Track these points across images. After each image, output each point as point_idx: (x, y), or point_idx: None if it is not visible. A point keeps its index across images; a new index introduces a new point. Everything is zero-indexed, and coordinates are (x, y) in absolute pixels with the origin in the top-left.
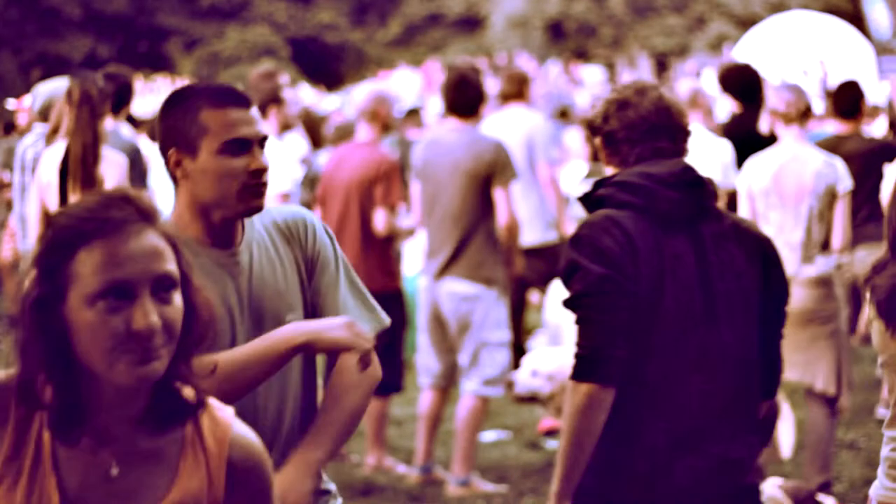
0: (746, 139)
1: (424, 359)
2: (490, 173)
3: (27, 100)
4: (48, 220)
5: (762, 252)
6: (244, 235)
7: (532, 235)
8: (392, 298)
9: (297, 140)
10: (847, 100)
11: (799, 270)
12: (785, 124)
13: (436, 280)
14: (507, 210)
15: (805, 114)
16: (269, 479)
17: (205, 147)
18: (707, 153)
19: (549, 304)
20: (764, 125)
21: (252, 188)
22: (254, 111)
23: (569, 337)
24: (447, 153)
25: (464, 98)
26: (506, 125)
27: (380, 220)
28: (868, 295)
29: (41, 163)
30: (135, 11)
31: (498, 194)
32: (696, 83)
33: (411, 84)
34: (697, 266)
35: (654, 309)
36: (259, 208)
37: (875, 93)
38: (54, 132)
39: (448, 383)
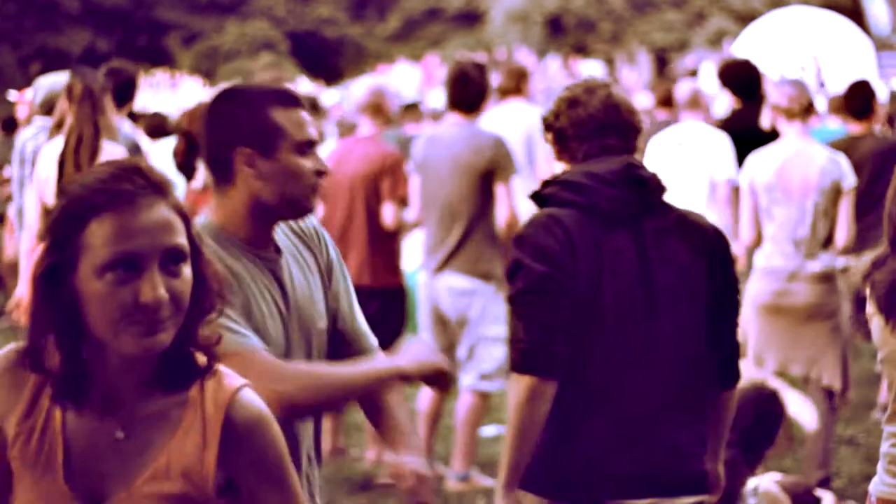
0: (747, 135)
1: None
2: (490, 169)
3: (28, 93)
4: (61, 190)
5: (708, 244)
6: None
7: None
8: (396, 295)
9: None
10: (859, 99)
11: (803, 266)
12: (788, 120)
13: (435, 275)
14: (508, 205)
15: (808, 109)
16: (274, 446)
17: (283, 147)
18: (708, 148)
19: None
20: (765, 120)
21: (316, 189)
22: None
23: None
24: (447, 148)
25: (465, 93)
26: (505, 120)
27: (389, 213)
28: (868, 291)
29: (40, 157)
30: (134, 5)
31: (499, 190)
32: (696, 84)
33: (410, 78)
34: (638, 261)
35: (594, 305)
36: (313, 210)
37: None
38: (58, 127)
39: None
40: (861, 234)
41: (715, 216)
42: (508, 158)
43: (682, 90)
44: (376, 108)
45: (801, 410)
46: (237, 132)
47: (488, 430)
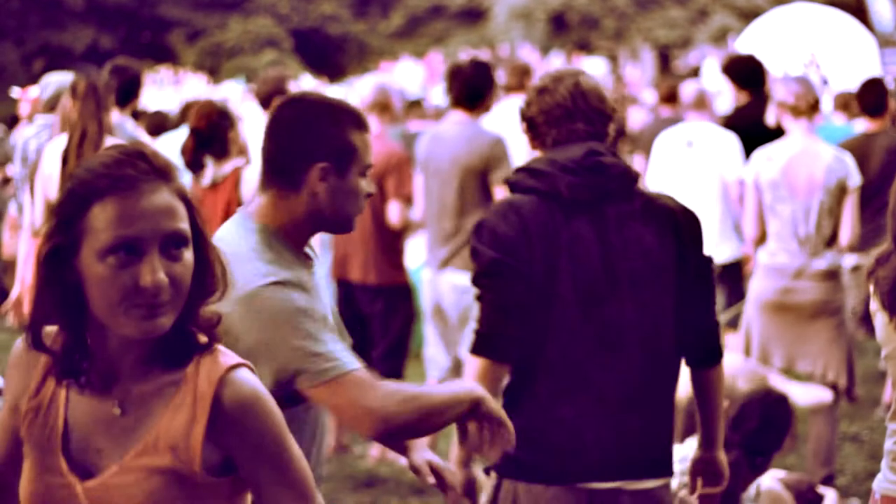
0: (752, 131)
1: (432, 352)
2: (487, 168)
3: (32, 90)
4: (68, 174)
5: (676, 227)
6: None
7: None
8: (402, 292)
9: None
10: (873, 97)
11: (808, 264)
12: (794, 117)
13: (437, 272)
14: None
15: (814, 107)
16: (270, 427)
17: (354, 169)
18: (718, 149)
19: None
20: (770, 117)
21: (361, 211)
22: None
23: None
24: (448, 147)
25: (461, 91)
26: (508, 117)
27: (394, 212)
28: (872, 288)
29: (44, 155)
30: (137, 2)
31: (496, 190)
32: (700, 83)
33: (414, 76)
34: (599, 247)
35: (551, 290)
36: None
37: None
38: (63, 125)
39: (456, 377)
40: (875, 231)
41: (728, 216)
42: (505, 158)
43: (687, 90)
44: (383, 106)
45: (807, 393)
46: (319, 147)
47: None
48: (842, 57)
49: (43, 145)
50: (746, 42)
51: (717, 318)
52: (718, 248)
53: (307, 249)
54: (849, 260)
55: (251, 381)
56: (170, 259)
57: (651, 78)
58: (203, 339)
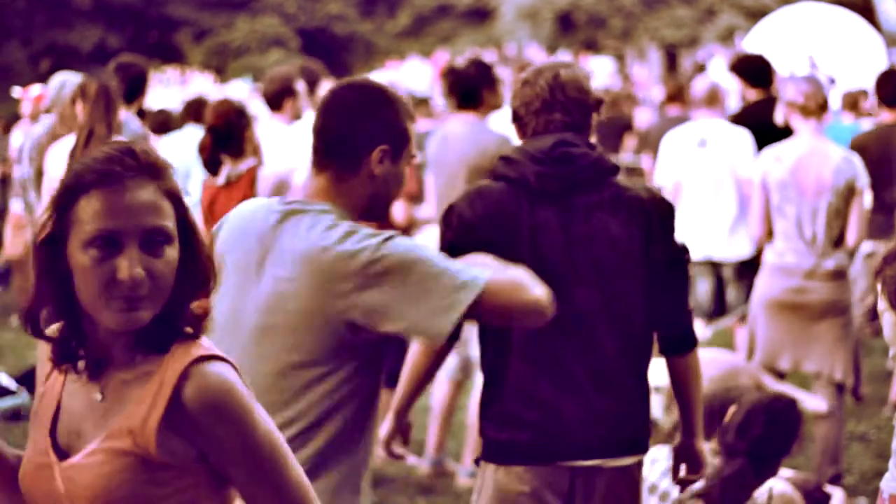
0: (761, 129)
1: None
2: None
3: (34, 89)
4: (67, 168)
5: (644, 216)
6: None
7: None
8: None
9: (307, 126)
10: (891, 89)
11: (816, 264)
12: (803, 117)
13: None
14: None
15: (823, 107)
16: (233, 419)
17: (405, 155)
18: (731, 146)
19: None
20: (778, 116)
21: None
22: None
23: None
24: (454, 147)
25: (453, 91)
26: None
27: (399, 210)
28: (879, 287)
29: (49, 155)
30: (144, 2)
31: None
32: (714, 80)
33: (421, 75)
34: (563, 235)
35: None
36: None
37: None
38: (63, 126)
39: (464, 376)
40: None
41: (743, 214)
42: None
43: (699, 86)
44: None
45: (804, 402)
46: (383, 130)
47: None
48: (849, 56)
49: (37, 142)
50: (754, 41)
51: (690, 306)
52: (734, 245)
53: None
54: (865, 247)
55: (219, 376)
56: (151, 255)
57: (658, 77)
58: (189, 331)
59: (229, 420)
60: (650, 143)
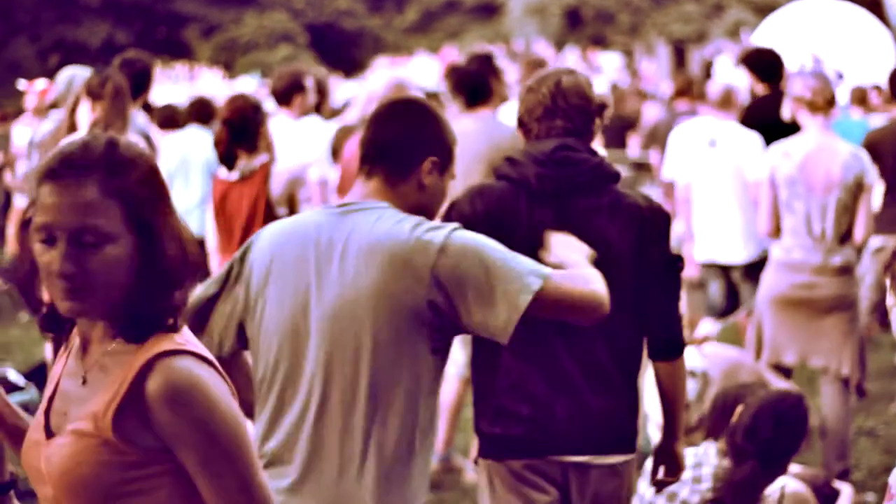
0: (769, 124)
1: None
2: None
3: (38, 83)
4: None
5: (639, 223)
6: None
7: None
8: None
9: (315, 122)
10: None
11: (824, 259)
12: (811, 113)
13: None
14: None
15: (830, 102)
16: (192, 415)
17: (448, 170)
18: (740, 149)
19: None
20: (786, 112)
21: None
22: None
23: None
24: (467, 143)
25: (456, 89)
26: None
27: None
28: (889, 282)
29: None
30: None
31: None
32: (729, 83)
33: (429, 70)
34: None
35: None
36: None
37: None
38: (71, 123)
39: None
40: None
41: (752, 215)
42: None
43: (714, 87)
44: None
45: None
46: (436, 142)
47: None
48: (858, 51)
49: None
50: (761, 37)
51: (679, 313)
52: (743, 247)
53: None
54: (874, 241)
55: (184, 370)
56: (83, 251)
57: (667, 72)
58: (168, 322)
59: (189, 415)
60: (658, 138)
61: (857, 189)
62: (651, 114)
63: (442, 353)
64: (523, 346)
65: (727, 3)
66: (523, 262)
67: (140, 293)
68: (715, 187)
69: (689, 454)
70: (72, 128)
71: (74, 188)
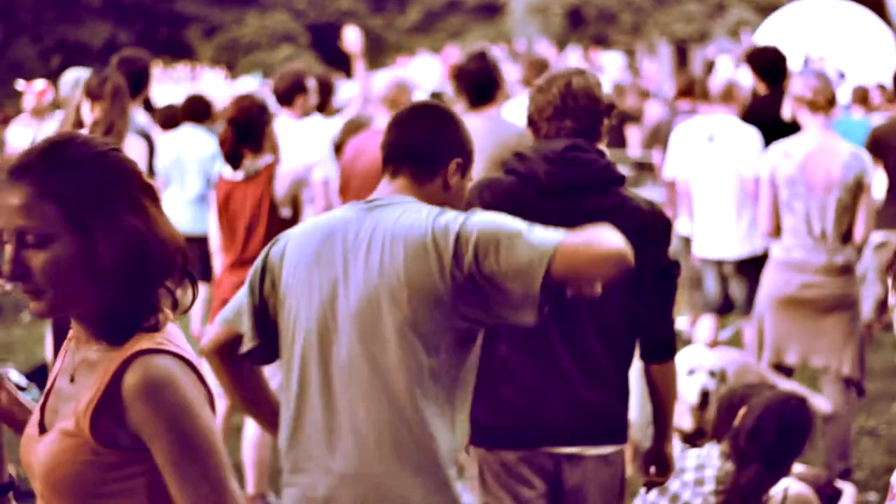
0: (770, 124)
1: None
2: None
3: (37, 84)
4: None
5: (640, 227)
6: None
7: None
8: None
9: (318, 122)
10: None
11: (824, 259)
12: (812, 112)
13: None
14: None
15: (831, 102)
16: (166, 414)
17: (468, 173)
18: (738, 144)
19: None
20: (786, 111)
21: None
22: None
23: None
24: (475, 141)
25: (461, 89)
26: (525, 110)
27: None
28: (890, 282)
29: None
30: None
31: None
32: (732, 77)
33: (431, 71)
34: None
35: None
36: None
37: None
38: (76, 124)
39: None
40: None
41: (750, 211)
42: None
43: (716, 81)
44: (394, 101)
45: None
46: (461, 144)
47: None
48: (860, 51)
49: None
50: (763, 36)
51: (672, 318)
52: (738, 243)
53: None
54: (875, 237)
55: (161, 369)
56: (29, 252)
57: (669, 72)
58: (151, 320)
59: (164, 414)
60: (660, 137)
61: (858, 189)
62: (653, 113)
63: (470, 342)
64: (518, 335)
65: (729, 2)
66: (541, 228)
67: (104, 293)
68: (712, 183)
69: (692, 456)
70: (78, 127)
71: (9, 190)
